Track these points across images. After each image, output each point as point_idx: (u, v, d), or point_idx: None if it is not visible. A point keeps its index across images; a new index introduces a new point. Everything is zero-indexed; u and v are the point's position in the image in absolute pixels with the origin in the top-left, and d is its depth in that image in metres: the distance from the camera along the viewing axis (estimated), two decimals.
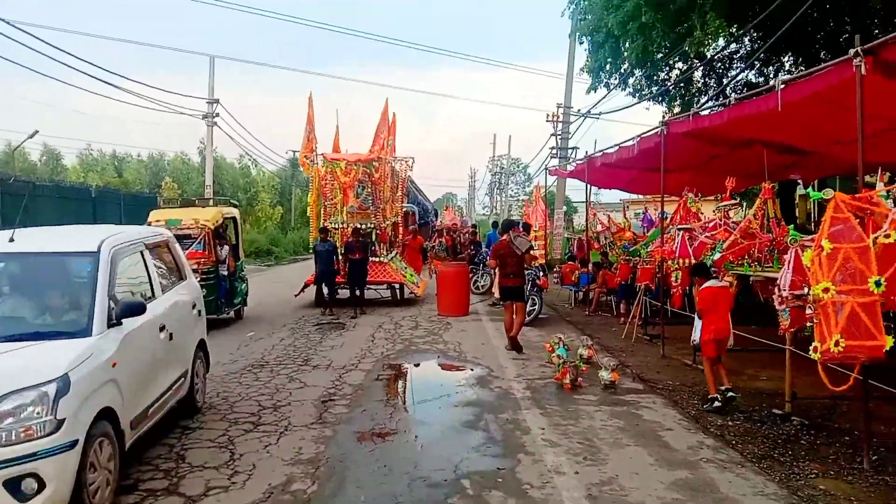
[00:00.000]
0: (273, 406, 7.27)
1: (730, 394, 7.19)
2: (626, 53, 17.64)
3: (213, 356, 9.77)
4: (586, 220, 18.47)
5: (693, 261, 9.60)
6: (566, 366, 8.16)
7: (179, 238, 10.31)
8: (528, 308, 12.69)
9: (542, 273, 13.85)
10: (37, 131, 26.83)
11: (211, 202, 15.11)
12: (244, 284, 14.32)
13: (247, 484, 5.15)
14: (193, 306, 7.15)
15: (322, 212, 16.28)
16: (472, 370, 9.17)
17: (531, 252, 11.49)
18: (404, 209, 18.91)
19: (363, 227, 15.74)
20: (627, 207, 26.22)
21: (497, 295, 15.86)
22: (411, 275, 17.26)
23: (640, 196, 27.54)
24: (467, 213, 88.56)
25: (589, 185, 17.16)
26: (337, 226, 16.07)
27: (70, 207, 24.25)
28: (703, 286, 7.65)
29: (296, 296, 15.92)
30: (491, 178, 66.90)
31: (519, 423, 6.73)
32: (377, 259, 15.85)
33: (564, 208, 30.00)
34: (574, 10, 20.60)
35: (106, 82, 17.34)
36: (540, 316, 12.95)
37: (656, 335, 11.07)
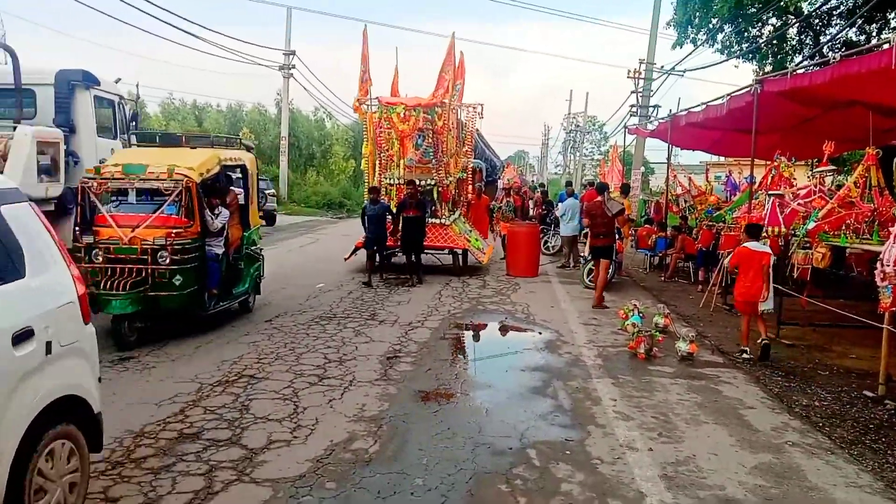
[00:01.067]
0: (339, 360, 7.21)
1: (764, 342, 7.70)
2: (716, 7, 16.71)
3: (283, 306, 9.89)
4: (666, 182, 17.71)
5: (783, 229, 9.03)
6: (641, 335, 7.79)
7: (146, 193, 8.41)
8: None
9: (616, 236, 13.34)
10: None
11: (211, 142, 9.67)
12: (256, 264, 9.87)
13: (308, 439, 5.08)
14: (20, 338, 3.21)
15: (378, 165, 14.14)
16: (540, 334, 8.91)
17: (623, 215, 12.07)
18: (471, 165, 16.48)
19: (422, 183, 13.56)
20: (708, 170, 25.17)
21: (564, 257, 15.51)
22: (476, 240, 14.99)
23: (722, 158, 26.35)
24: (539, 171, 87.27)
25: (671, 146, 16.40)
26: (392, 181, 13.98)
27: None
28: (743, 244, 8.21)
29: (346, 259, 14.00)
30: (565, 136, 65.30)
31: (589, 392, 6.45)
32: (437, 221, 13.66)
33: (642, 169, 29.00)
34: None
35: (188, 32, 17.62)
36: (613, 280, 12.51)
37: None
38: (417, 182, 13.26)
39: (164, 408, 5.63)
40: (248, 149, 10.32)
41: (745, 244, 8.12)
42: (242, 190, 9.85)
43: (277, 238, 20.16)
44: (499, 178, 24.62)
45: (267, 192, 23.99)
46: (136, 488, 4.22)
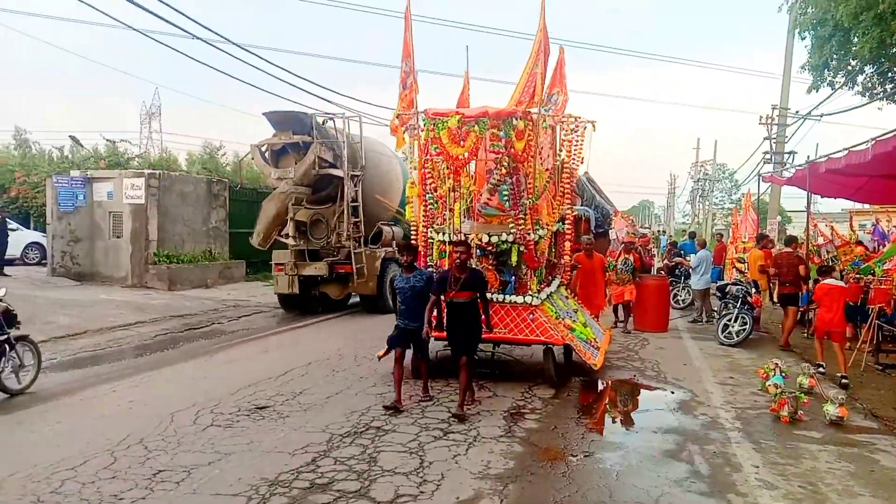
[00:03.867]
0: (464, 414, 7.18)
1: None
2: (856, 48, 15.83)
3: (408, 359, 10.02)
4: (806, 232, 16.69)
5: None
6: (784, 396, 7.27)
7: None
8: (738, 328, 11.73)
9: (753, 289, 12.68)
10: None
11: None
12: None
13: (434, 495, 5.07)
14: None
15: (423, 213, 9.34)
16: (672, 393, 8.51)
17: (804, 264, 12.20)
18: (575, 212, 11.75)
19: (494, 239, 8.76)
20: (852, 218, 23.52)
21: (696, 311, 14.81)
22: (584, 326, 9.73)
23: (867, 206, 24.57)
24: (665, 220, 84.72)
25: (810, 193, 15.48)
26: (446, 237, 8.94)
27: None
28: (821, 282, 9.58)
29: (379, 358, 8.67)
30: (693, 185, 63.23)
31: (728, 457, 6.06)
32: (518, 299, 8.72)
33: (779, 218, 27.53)
34: (794, 3, 18.85)
35: (318, 96, 18.51)
36: (750, 337, 11.83)
37: (891, 364, 9.72)
38: (486, 238, 8.76)
39: (297, 457, 5.81)
40: None
41: (824, 282, 9.53)
42: None
43: None
44: (611, 228, 20.70)
45: None
46: None
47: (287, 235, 14.98)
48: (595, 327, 10.48)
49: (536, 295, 8.78)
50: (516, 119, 8.44)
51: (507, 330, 8.62)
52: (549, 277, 9.88)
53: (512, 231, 8.64)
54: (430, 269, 8.87)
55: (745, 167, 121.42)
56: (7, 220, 19.88)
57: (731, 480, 5.50)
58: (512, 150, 8.40)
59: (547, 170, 9.67)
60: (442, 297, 7.49)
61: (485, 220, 9.13)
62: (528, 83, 9.49)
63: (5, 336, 7.86)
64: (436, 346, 9.20)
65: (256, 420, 6.93)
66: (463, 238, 8.29)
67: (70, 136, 27.26)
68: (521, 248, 8.73)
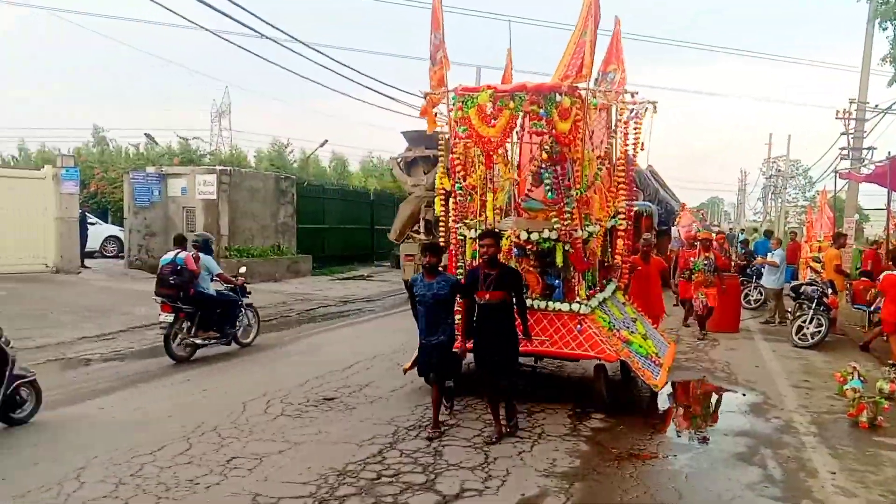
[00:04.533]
0: (527, 411, 7.15)
1: None
2: None
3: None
4: (886, 230, 15.99)
5: None
6: (863, 401, 6.98)
7: None
8: (813, 329, 11.32)
9: (829, 290, 12.19)
10: (326, 140, 30.22)
11: None
12: None
13: (500, 490, 5.08)
14: None
15: (452, 204, 8.16)
16: (743, 395, 8.27)
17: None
18: (634, 208, 10.83)
19: (533, 236, 7.54)
20: None
21: (769, 312, 14.34)
22: (644, 338, 8.25)
23: None
24: (736, 218, 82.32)
25: (890, 191, 14.82)
26: (476, 233, 7.70)
27: (352, 208, 26.87)
28: (890, 272, 9.72)
29: (405, 371, 7.87)
30: (765, 182, 61.24)
31: (803, 462, 5.86)
32: (564, 307, 7.45)
33: (856, 216, 26.40)
34: None
35: (386, 95, 18.67)
36: (826, 339, 11.39)
37: None
38: (524, 235, 7.52)
39: (364, 448, 5.90)
40: None
41: (893, 272, 9.62)
42: None
43: None
44: (674, 224, 19.77)
45: None
46: None
47: (418, 231, 19.43)
48: (657, 339, 8.84)
49: (586, 302, 7.42)
50: (560, 95, 6.97)
51: (550, 342, 7.30)
52: (603, 281, 8.53)
53: (556, 227, 7.33)
54: (456, 276, 7.45)
55: (819, 163, 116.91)
56: (87, 214, 20.77)
57: (806, 486, 5.32)
58: (555, 131, 7.01)
59: (599, 157, 8.40)
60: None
61: (529, 216, 8.04)
62: (575, 54, 7.66)
63: (240, 302, 10.35)
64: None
65: (324, 411, 7.07)
66: (489, 231, 6.84)
67: (145, 134, 28.37)
68: (567, 248, 7.36)
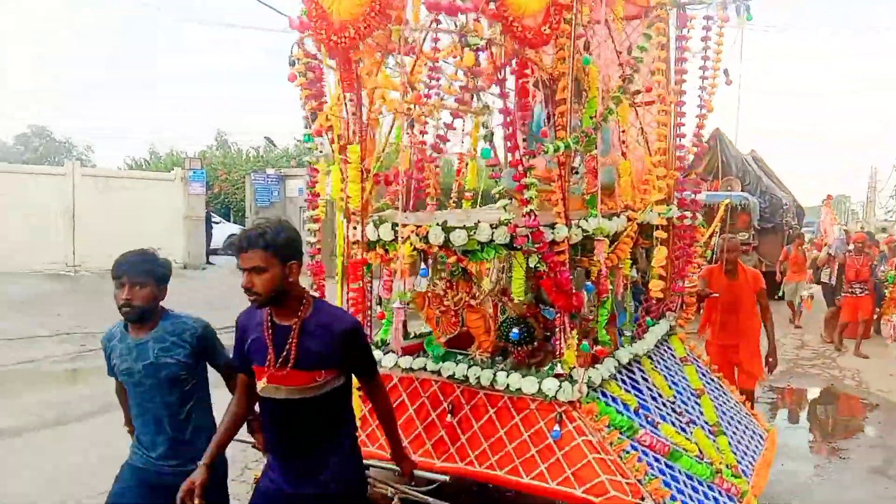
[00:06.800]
0: None
1: None
2: None
3: None
4: None
5: None
6: None
7: None
8: None
9: None
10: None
11: None
12: None
13: None
14: None
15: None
16: (876, 406, 7.77)
17: None
18: (727, 199, 8.72)
19: (452, 237, 3.42)
20: None
21: None
22: (712, 438, 4.06)
23: None
24: (864, 217, 76.86)
25: None
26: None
27: None
28: None
29: None
30: None
31: None
32: (529, 384, 3.38)
33: None
34: None
35: None
36: None
37: None
38: (439, 237, 3.52)
39: None
40: None
41: None
42: None
43: None
44: (789, 222, 15.81)
45: None
46: None
47: None
48: (740, 428, 4.61)
49: (569, 378, 3.34)
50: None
51: (497, 458, 3.41)
52: (650, 317, 4.51)
53: (506, 221, 3.27)
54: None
55: None
56: (211, 214, 22.01)
57: None
58: (547, 68, 3.59)
59: (622, 79, 4.00)
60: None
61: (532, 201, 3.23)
62: None
63: None
64: None
65: None
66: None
67: (265, 137, 29.76)
68: (535, 264, 3.25)
